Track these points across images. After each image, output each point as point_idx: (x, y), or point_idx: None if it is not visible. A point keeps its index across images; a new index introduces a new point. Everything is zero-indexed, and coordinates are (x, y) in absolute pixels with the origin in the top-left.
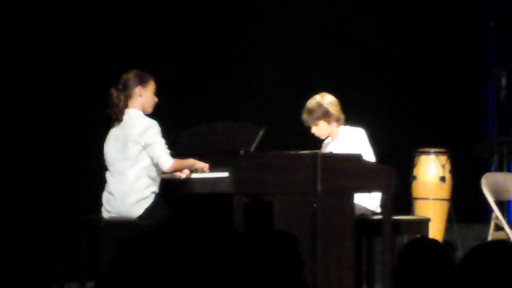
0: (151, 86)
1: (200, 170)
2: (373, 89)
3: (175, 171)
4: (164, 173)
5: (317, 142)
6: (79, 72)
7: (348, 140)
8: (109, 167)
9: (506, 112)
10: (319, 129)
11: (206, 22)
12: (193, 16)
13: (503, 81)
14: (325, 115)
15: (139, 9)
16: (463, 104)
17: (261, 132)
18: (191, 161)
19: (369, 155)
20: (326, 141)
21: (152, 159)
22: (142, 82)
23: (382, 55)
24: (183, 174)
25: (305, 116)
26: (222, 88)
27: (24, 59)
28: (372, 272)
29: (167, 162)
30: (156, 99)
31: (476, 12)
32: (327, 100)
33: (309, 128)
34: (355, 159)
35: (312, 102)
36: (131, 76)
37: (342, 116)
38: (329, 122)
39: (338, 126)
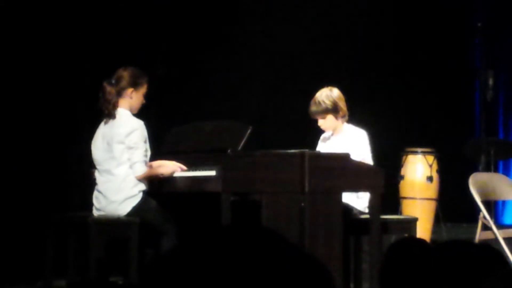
0: (143, 90)
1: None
2: (360, 89)
3: (146, 178)
4: None
5: (306, 142)
6: (67, 71)
7: (351, 138)
8: (97, 165)
9: (493, 112)
10: (326, 122)
11: (196, 22)
12: (184, 16)
13: (490, 81)
14: (334, 109)
15: (131, 7)
16: (451, 104)
17: (248, 131)
18: (160, 170)
19: (368, 158)
20: (325, 135)
21: (128, 160)
22: (135, 85)
23: (369, 55)
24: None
25: (314, 108)
26: (211, 87)
27: (10, 57)
28: (360, 271)
29: (140, 169)
30: (144, 101)
31: (463, 12)
32: (336, 94)
33: (315, 120)
34: (343, 159)
35: (322, 94)
36: (126, 75)
37: (347, 113)
38: (336, 117)
39: (343, 122)
